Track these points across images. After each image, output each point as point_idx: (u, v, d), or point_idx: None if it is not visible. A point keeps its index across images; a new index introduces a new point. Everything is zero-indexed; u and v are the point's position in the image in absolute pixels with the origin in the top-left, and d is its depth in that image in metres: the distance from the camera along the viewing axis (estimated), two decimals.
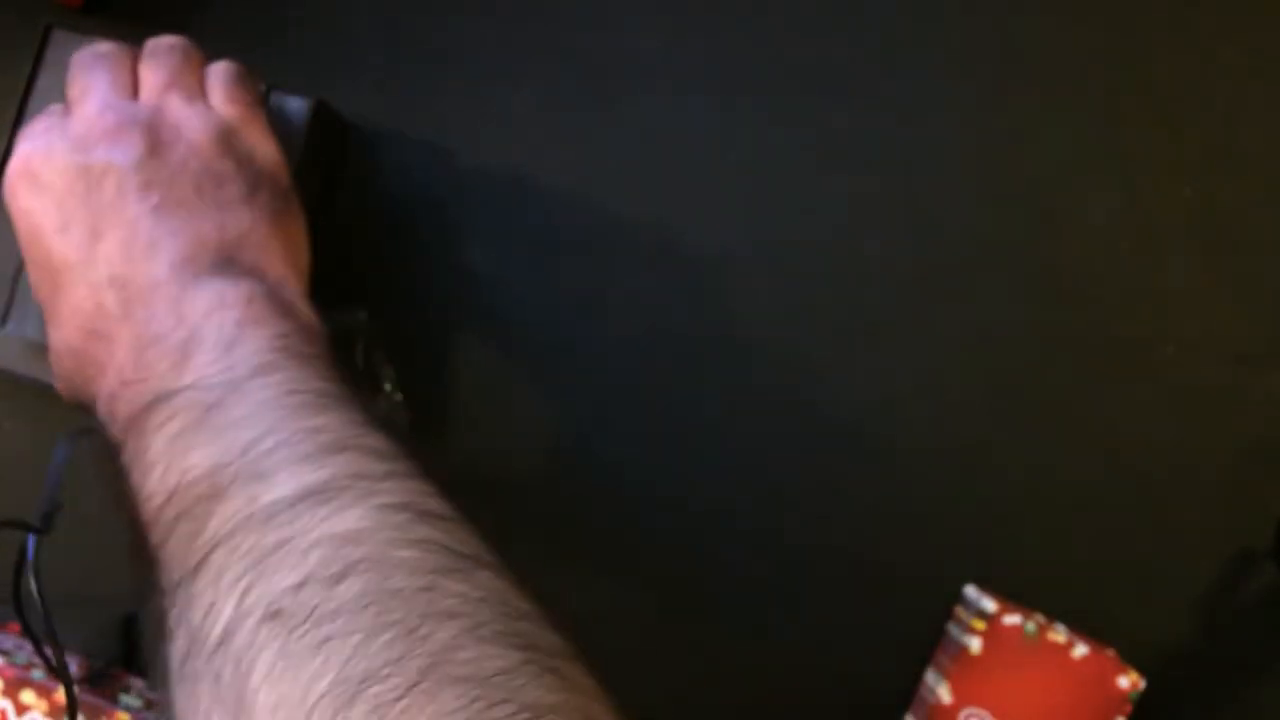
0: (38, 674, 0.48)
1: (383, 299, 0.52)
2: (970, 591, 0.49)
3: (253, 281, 0.37)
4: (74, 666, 0.50)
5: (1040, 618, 0.48)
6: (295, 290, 0.39)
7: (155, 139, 0.39)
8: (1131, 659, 0.48)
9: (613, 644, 0.51)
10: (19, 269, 0.50)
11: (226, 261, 0.38)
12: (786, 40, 0.52)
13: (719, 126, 0.52)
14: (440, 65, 0.53)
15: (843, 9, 0.52)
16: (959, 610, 0.49)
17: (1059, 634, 0.47)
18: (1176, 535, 0.50)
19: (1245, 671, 0.50)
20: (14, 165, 0.40)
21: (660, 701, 0.51)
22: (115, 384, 0.36)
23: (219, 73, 0.43)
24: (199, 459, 0.31)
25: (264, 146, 0.42)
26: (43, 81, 0.50)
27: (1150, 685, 0.48)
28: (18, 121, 0.50)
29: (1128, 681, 0.47)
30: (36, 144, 0.39)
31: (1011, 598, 0.49)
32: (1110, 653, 0.47)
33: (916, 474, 0.51)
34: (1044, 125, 0.51)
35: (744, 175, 0.52)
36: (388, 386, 0.50)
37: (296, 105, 0.49)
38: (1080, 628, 0.49)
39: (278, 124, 0.45)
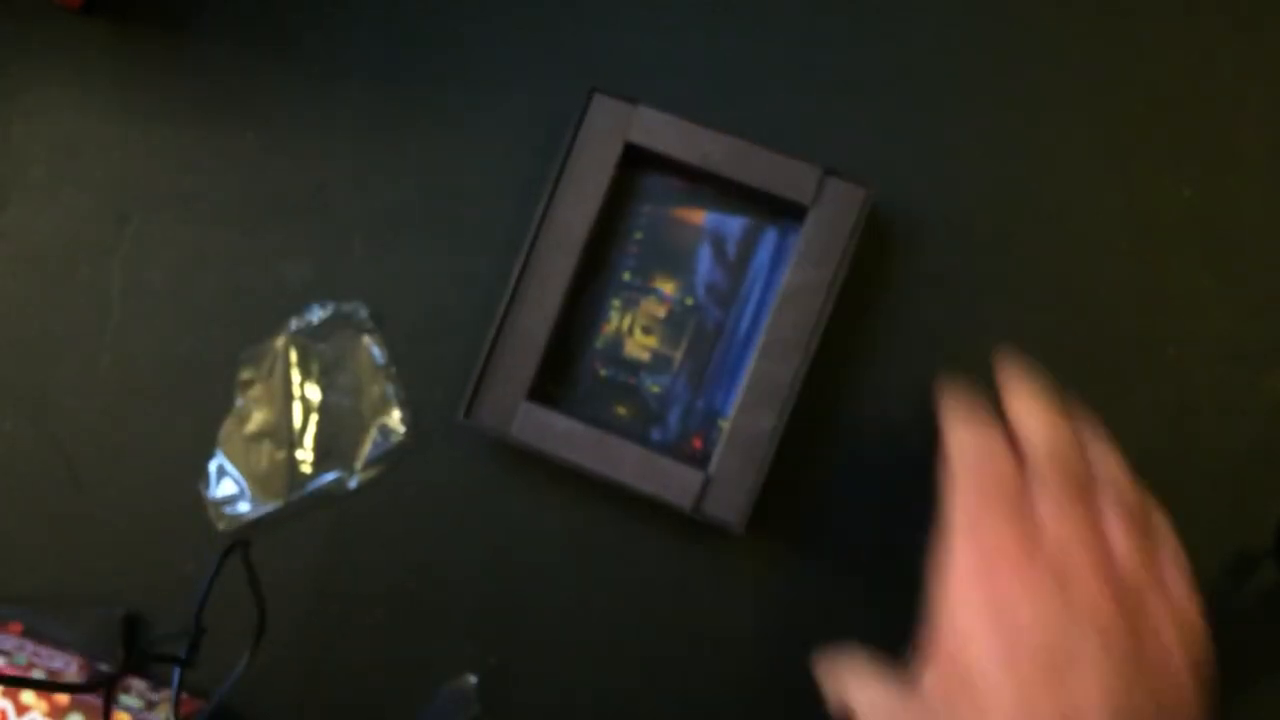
0: (38, 674, 0.48)
1: (382, 298, 0.53)
2: None
3: None
4: (74, 666, 0.50)
5: None
6: None
7: (1142, 633, 0.35)
8: None
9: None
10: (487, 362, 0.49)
11: None
12: (787, 41, 0.52)
13: (719, 126, 0.52)
14: (440, 65, 0.53)
15: (841, 13, 0.52)
16: None
17: None
18: (1177, 535, 0.50)
19: (1245, 671, 0.50)
20: (981, 583, 0.36)
21: (658, 703, 0.51)
22: None
23: (1176, 553, 0.39)
24: None
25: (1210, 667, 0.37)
26: (579, 145, 0.49)
27: None
28: (556, 185, 0.49)
29: None
30: (1016, 566, 0.35)
31: None
32: None
33: (916, 473, 0.51)
34: (1043, 125, 0.51)
35: None
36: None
37: None
38: None
39: None
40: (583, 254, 0.50)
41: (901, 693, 0.38)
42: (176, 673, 0.43)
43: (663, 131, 0.49)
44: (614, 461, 0.49)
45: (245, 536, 0.47)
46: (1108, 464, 0.39)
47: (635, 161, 0.51)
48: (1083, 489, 0.38)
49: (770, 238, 0.51)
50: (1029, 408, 0.40)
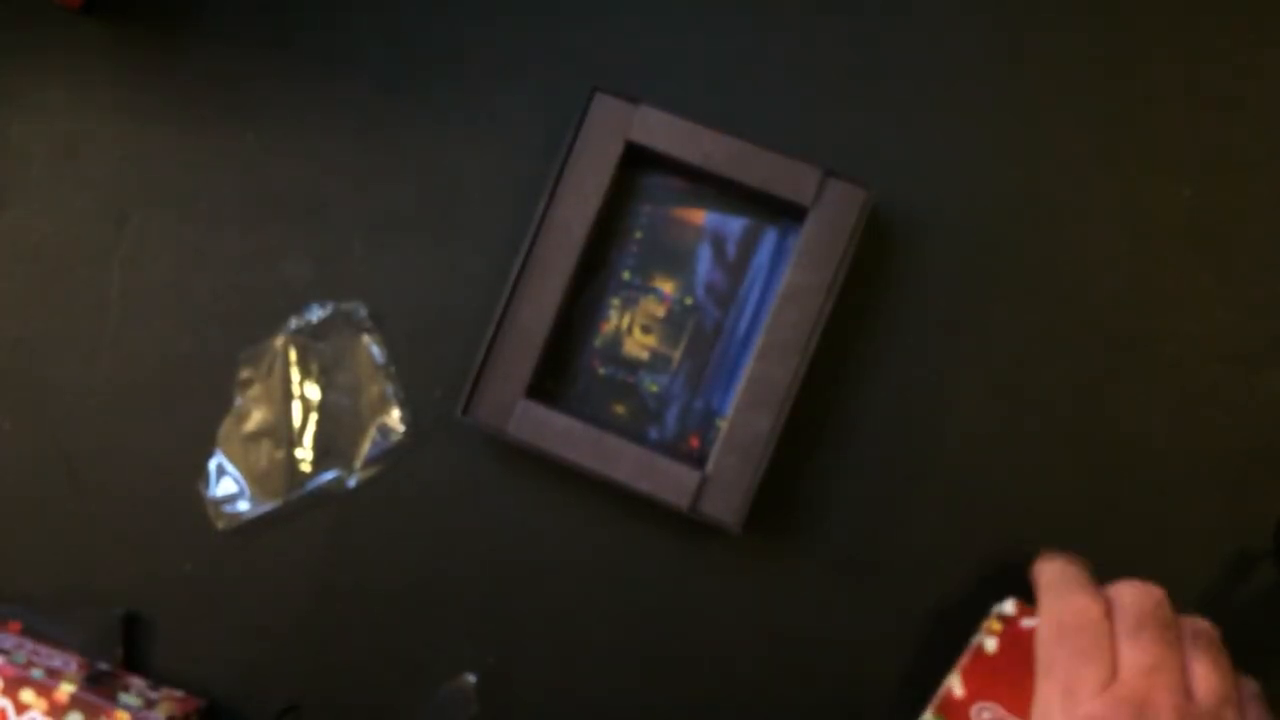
0: (37, 673, 0.48)
1: (382, 298, 0.53)
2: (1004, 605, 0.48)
3: None
4: (74, 666, 0.50)
5: None
6: None
7: None
8: None
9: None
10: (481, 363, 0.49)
11: None
12: (788, 41, 0.52)
13: (720, 126, 0.52)
14: (440, 65, 0.53)
15: (841, 10, 0.52)
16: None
17: None
18: (1177, 535, 0.50)
19: (1245, 672, 0.50)
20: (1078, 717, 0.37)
21: (655, 702, 0.51)
22: None
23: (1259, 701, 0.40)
24: None
25: None
26: (580, 144, 0.49)
27: None
28: (557, 184, 0.49)
29: None
30: (1101, 703, 0.37)
31: (1006, 598, 0.49)
32: None
33: (915, 474, 0.51)
34: (1044, 125, 0.51)
35: None
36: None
37: None
38: None
39: None
40: (582, 253, 0.50)
41: None
42: None
43: (664, 131, 0.49)
44: (611, 460, 0.49)
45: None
46: (1190, 618, 0.41)
47: (636, 161, 0.51)
48: (1164, 628, 0.39)
49: (770, 238, 0.51)
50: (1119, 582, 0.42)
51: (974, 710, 0.46)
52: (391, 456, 0.52)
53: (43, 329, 0.54)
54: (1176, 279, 0.51)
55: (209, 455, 0.52)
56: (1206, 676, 0.38)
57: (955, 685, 0.46)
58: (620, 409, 0.51)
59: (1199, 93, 0.51)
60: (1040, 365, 0.51)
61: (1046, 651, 0.39)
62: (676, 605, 0.51)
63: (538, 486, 0.52)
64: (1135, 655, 0.38)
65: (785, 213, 0.50)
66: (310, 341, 0.52)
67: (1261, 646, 0.50)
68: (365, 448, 0.52)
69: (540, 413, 0.49)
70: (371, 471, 0.52)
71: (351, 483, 0.52)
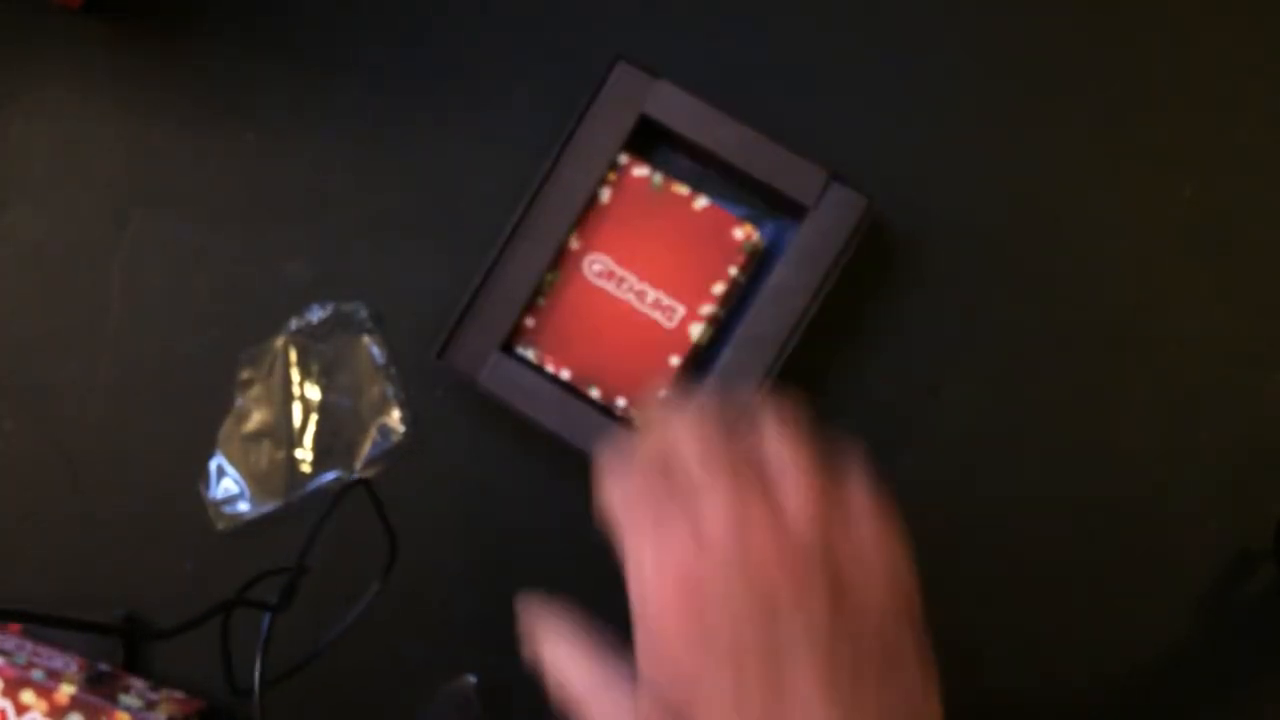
0: (37, 674, 0.48)
1: (382, 298, 0.53)
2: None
3: None
4: (74, 666, 0.50)
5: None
6: None
7: (837, 586, 0.33)
8: (1132, 658, 0.48)
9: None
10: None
11: None
12: (787, 42, 0.52)
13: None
14: (441, 65, 0.53)
15: (840, 10, 0.52)
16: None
17: (682, 188, 0.49)
18: (1176, 535, 0.50)
19: (1245, 671, 0.50)
20: (673, 585, 0.33)
21: None
22: None
23: (864, 498, 0.36)
24: None
25: (919, 602, 0.35)
26: (595, 109, 0.49)
27: (1150, 685, 0.48)
28: (566, 143, 0.49)
29: (742, 233, 0.49)
30: (699, 563, 0.33)
31: (1006, 599, 0.49)
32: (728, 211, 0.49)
33: (915, 473, 0.51)
34: (1044, 125, 0.51)
35: None
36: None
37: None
38: (1080, 627, 0.49)
39: None
40: (579, 216, 0.50)
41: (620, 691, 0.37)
42: (267, 619, 0.42)
43: (679, 109, 0.49)
44: (577, 427, 0.49)
45: (366, 476, 0.48)
46: (768, 441, 0.36)
47: (648, 136, 0.51)
48: (734, 470, 0.35)
49: (767, 232, 0.51)
50: (666, 424, 0.37)
51: (586, 262, 0.49)
52: (392, 457, 0.52)
53: (43, 329, 0.54)
54: (1177, 279, 0.51)
55: (209, 456, 0.52)
56: (792, 487, 0.34)
57: (573, 239, 0.48)
58: None
59: (1199, 93, 0.51)
60: (1040, 366, 0.51)
61: (627, 537, 0.36)
62: None
63: (540, 486, 0.52)
64: (712, 510, 0.34)
65: (786, 209, 0.50)
66: (310, 342, 0.52)
67: (1261, 646, 0.50)
68: (365, 448, 0.52)
69: (512, 368, 0.49)
70: (372, 472, 0.52)
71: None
